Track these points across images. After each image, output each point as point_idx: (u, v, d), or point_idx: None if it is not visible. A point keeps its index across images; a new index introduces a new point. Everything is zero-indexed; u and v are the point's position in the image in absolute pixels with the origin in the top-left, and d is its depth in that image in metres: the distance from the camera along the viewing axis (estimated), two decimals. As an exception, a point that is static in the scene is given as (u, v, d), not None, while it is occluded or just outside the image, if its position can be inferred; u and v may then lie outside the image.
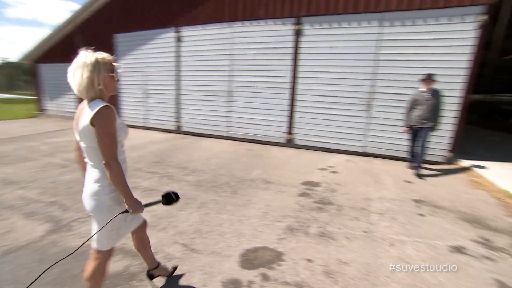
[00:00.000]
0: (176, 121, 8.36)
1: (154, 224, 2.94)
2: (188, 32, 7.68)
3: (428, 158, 5.73)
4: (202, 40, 7.52)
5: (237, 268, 2.29)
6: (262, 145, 7.14)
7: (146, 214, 3.13)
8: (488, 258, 2.58)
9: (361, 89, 6.04)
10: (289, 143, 6.95)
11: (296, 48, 6.48)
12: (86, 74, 1.38)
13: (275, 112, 6.94)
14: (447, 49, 5.37)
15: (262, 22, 6.74)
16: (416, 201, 3.82)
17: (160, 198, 1.60)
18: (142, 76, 8.68)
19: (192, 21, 7.55)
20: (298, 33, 6.41)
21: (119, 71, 1.53)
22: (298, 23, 6.38)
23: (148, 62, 8.45)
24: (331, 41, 6.14)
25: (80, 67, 1.39)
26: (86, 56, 1.40)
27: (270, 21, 6.65)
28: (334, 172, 5.02)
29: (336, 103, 6.28)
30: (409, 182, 4.62)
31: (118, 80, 1.53)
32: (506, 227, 3.19)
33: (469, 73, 5.30)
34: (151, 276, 2.07)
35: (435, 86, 4.76)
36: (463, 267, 2.42)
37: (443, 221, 3.27)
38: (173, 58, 8.01)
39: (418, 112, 4.71)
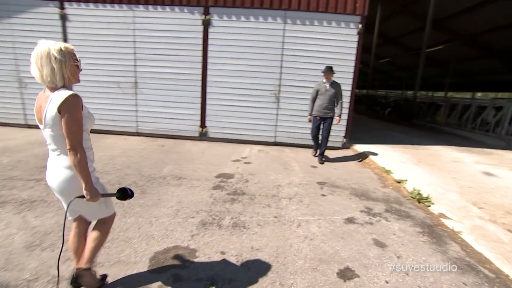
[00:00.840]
0: (68, 116, 7.09)
1: (37, 242, 2.40)
2: (75, 10, 6.52)
3: (329, 144, 6.54)
4: (97, 22, 6.52)
5: (146, 274, 2.09)
6: (175, 139, 6.78)
7: (25, 229, 2.55)
8: (369, 223, 3.11)
9: (270, 81, 6.38)
10: (203, 137, 6.81)
11: (206, 39, 6.33)
12: (56, 64, 1.43)
13: (187, 105, 6.67)
14: (338, 49, 6.17)
15: (168, 8, 6.29)
16: (320, 183, 4.30)
17: (115, 192, 1.65)
18: (12, 60, 6.93)
19: (82, -1, 6.45)
20: (207, 24, 6.26)
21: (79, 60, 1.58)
22: (206, 13, 6.22)
23: (19, 41, 6.77)
24: (239, 34, 6.24)
25: (45, 57, 1.42)
26: (49, 46, 1.43)
27: (177, 9, 6.27)
28: (247, 163, 5.18)
29: (247, 95, 6.46)
30: (314, 167, 5.16)
31: (81, 70, 1.59)
32: (381, 196, 3.92)
33: (355, 71, 6.25)
34: (75, 280, 1.79)
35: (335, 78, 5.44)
36: (352, 234, 2.84)
37: (339, 198, 3.77)
38: (59, 40, 6.68)
39: (319, 101, 5.08)
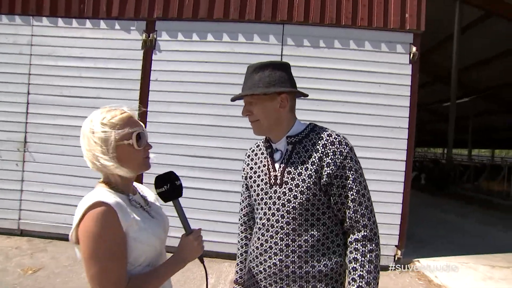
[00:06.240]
0: None
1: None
2: None
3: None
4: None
5: None
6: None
7: None
8: None
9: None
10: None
11: (147, 71, 3.68)
12: (86, 147, 0.87)
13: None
14: (376, 88, 3.50)
15: (89, 23, 3.78)
16: None
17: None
18: None
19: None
20: (150, 47, 3.67)
21: (145, 132, 0.91)
22: (150, 31, 3.68)
23: None
24: (199, 63, 3.59)
25: (83, 136, 0.88)
26: (90, 120, 0.88)
27: (103, 23, 3.76)
28: None
29: (217, 170, 3.55)
30: None
31: (147, 147, 0.93)
32: None
33: (410, 126, 3.49)
34: None
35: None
36: None
37: None
38: None
39: (256, 236, 1.15)
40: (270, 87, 1.06)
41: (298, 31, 3.52)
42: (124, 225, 0.81)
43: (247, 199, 1.30)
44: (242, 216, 1.34)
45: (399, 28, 3.43)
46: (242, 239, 1.34)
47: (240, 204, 1.36)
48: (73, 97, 3.75)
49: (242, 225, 1.34)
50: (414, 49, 3.43)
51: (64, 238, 3.69)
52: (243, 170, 1.29)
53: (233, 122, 3.53)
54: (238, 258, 1.34)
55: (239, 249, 1.35)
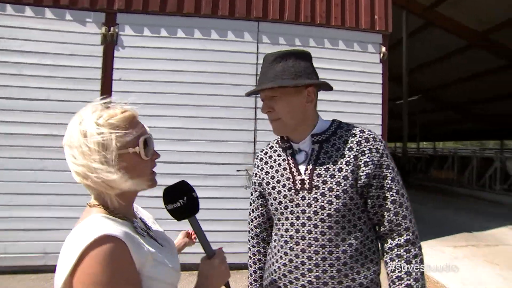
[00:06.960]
0: None
1: None
2: None
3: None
4: None
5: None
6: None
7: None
8: None
9: (238, 147, 3.36)
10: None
11: (109, 72, 3.27)
12: (78, 157, 0.62)
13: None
14: (350, 86, 3.57)
15: (30, 10, 3.24)
16: None
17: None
18: None
19: None
20: (110, 42, 3.27)
21: (150, 136, 0.71)
22: (110, 24, 3.28)
23: None
24: (171, 61, 3.31)
25: (71, 145, 0.64)
26: (79, 121, 0.63)
27: (49, 12, 3.25)
28: None
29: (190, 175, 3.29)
30: None
31: (154, 156, 0.74)
32: None
33: (383, 122, 3.62)
34: None
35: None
36: None
37: None
38: None
39: (282, 245, 0.98)
40: (298, 79, 0.93)
41: (273, 28, 3.43)
42: (137, 263, 0.59)
43: (260, 209, 1.15)
44: (254, 228, 1.18)
45: (369, 28, 3.54)
46: (254, 254, 1.18)
47: (250, 214, 1.20)
48: (12, 99, 3.15)
49: (253, 238, 1.18)
50: (383, 49, 3.57)
51: (3, 271, 3.06)
52: (255, 176, 1.13)
53: (207, 124, 3.31)
54: (251, 276, 1.18)
55: (251, 266, 1.18)
